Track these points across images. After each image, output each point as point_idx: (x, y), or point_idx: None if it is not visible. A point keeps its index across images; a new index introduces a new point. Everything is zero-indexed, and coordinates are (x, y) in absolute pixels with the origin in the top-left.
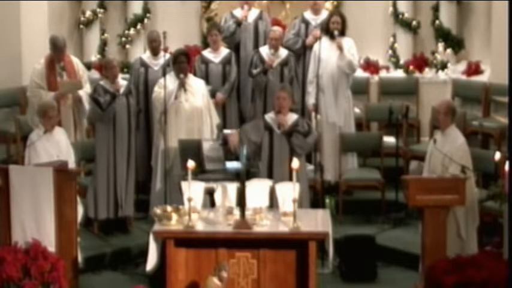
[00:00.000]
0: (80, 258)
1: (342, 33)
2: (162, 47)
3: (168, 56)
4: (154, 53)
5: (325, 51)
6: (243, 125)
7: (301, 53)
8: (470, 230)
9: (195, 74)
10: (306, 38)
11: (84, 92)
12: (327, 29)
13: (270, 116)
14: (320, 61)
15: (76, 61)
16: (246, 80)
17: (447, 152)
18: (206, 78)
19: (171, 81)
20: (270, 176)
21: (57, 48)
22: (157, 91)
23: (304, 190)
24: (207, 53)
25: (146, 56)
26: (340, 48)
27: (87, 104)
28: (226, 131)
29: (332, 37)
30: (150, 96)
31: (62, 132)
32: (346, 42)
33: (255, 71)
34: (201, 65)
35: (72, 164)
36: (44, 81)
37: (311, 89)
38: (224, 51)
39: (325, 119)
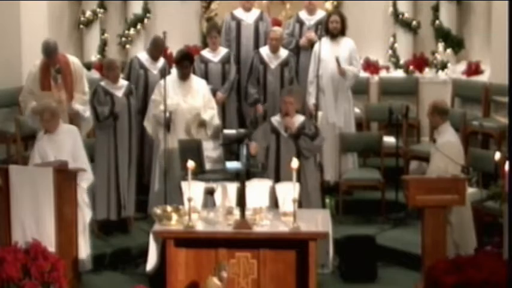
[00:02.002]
0: (85, 256)
1: (342, 32)
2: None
3: (163, 61)
4: (154, 58)
5: (325, 52)
6: (253, 133)
7: (295, 53)
8: (467, 232)
9: (194, 73)
10: (300, 38)
11: (81, 98)
12: (326, 29)
13: (276, 119)
14: (320, 61)
15: (73, 61)
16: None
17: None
18: (206, 77)
19: (171, 80)
20: (277, 178)
21: (46, 54)
22: (157, 100)
23: (314, 190)
24: (205, 53)
25: (144, 58)
26: (342, 74)
27: (85, 113)
28: (227, 131)
29: (332, 37)
30: (149, 98)
31: (68, 133)
32: (348, 44)
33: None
34: (201, 64)
35: (82, 165)
36: (36, 85)
37: (311, 89)
38: (223, 50)
39: (325, 120)
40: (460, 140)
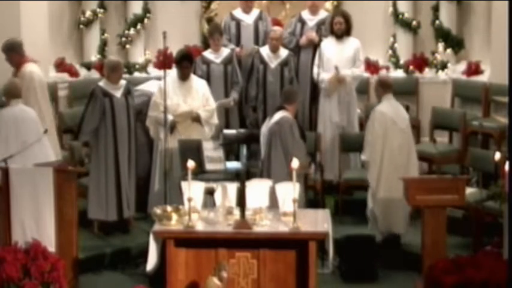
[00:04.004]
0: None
1: (348, 32)
2: (162, 47)
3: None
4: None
5: (330, 51)
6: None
7: (296, 52)
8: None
9: (195, 75)
10: (300, 37)
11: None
12: (331, 30)
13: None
14: (324, 61)
15: (26, 72)
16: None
17: None
18: (208, 78)
19: (171, 81)
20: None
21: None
22: (157, 101)
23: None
24: (207, 54)
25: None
26: (341, 82)
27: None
28: (227, 131)
29: (337, 37)
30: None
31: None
32: (353, 43)
33: None
34: (202, 65)
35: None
36: None
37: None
38: (225, 51)
39: (329, 119)
40: (399, 110)
